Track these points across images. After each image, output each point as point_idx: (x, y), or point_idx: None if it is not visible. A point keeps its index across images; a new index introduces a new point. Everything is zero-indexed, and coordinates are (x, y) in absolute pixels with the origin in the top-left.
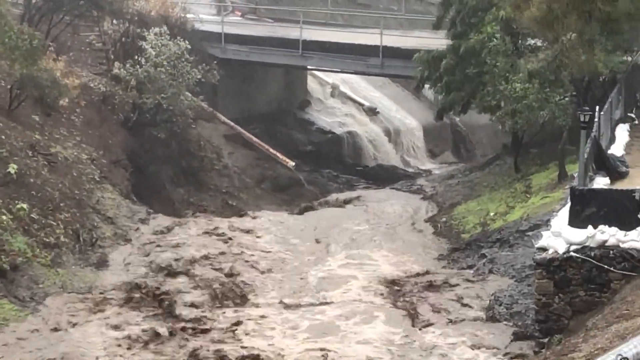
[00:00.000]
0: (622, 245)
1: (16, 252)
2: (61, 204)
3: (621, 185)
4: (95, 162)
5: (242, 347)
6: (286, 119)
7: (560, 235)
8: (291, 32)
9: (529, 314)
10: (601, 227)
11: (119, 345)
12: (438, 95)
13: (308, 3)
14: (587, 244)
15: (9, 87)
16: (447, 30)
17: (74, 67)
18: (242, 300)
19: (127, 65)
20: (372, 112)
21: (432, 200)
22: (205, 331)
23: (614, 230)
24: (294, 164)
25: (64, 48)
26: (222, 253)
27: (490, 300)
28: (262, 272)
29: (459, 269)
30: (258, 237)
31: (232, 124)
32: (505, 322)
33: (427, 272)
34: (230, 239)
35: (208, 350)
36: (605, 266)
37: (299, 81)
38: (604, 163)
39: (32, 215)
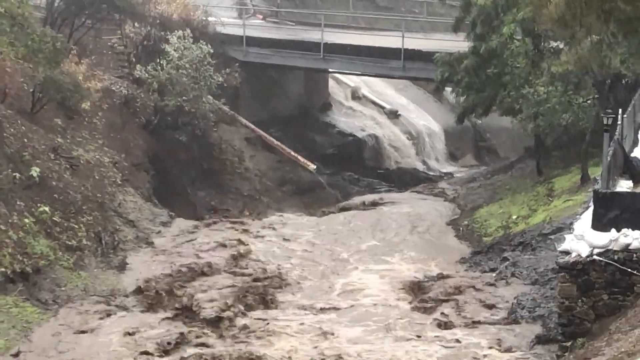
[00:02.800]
0: None
1: (39, 255)
2: (83, 207)
3: None
4: (117, 165)
5: (265, 350)
6: (307, 122)
7: (583, 239)
8: (313, 35)
9: (552, 318)
10: (624, 230)
11: (141, 348)
12: (459, 98)
13: (329, 6)
14: (610, 247)
15: (31, 90)
16: (467, 32)
17: (96, 71)
18: (265, 303)
19: (149, 68)
20: (393, 114)
21: (453, 203)
22: (227, 334)
23: (637, 233)
24: (315, 166)
25: (86, 51)
26: (244, 256)
27: (512, 304)
28: (286, 275)
29: (481, 272)
30: (280, 239)
31: (253, 127)
32: (527, 326)
33: (449, 275)
34: (252, 241)
35: (230, 354)
36: (629, 269)
37: (320, 84)
38: (627, 166)
39: (54, 218)
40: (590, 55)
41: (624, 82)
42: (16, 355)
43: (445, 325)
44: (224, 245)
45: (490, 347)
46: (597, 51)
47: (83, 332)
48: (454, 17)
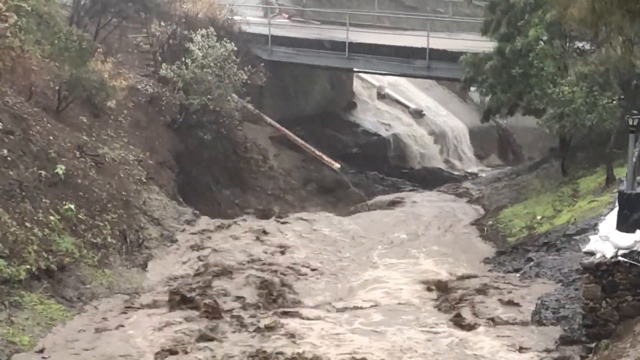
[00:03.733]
0: None
1: (64, 253)
2: (108, 205)
3: None
4: (142, 164)
5: (289, 349)
6: (332, 121)
7: (608, 240)
8: (338, 34)
9: (576, 319)
10: None
11: (164, 346)
12: (484, 98)
13: (354, 5)
14: (635, 248)
15: (57, 88)
16: (492, 32)
17: (121, 69)
18: (289, 301)
19: (174, 67)
20: (418, 114)
21: (478, 203)
22: (250, 331)
23: None
24: (339, 166)
25: (112, 50)
26: (269, 254)
27: (536, 304)
28: (309, 274)
29: (505, 272)
30: (304, 238)
31: (278, 125)
32: (552, 326)
33: (473, 275)
34: (276, 240)
35: (253, 352)
36: None
37: (345, 83)
38: None
39: (79, 215)
40: (619, 56)
41: None
42: (41, 351)
43: (468, 325)
44: (247, 243)
45: (514, 348)
46: (627, 50)
47: (107, 329)
48: (480, 17)
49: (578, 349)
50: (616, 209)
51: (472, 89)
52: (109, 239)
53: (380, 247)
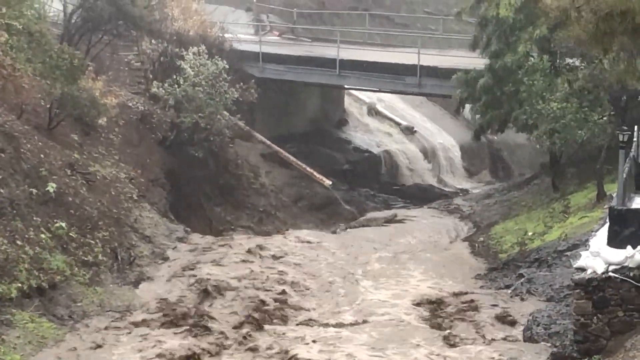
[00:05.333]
0: None
1: (55, 271)
2: (99, 223)
3: None
4: (133, 181)
5: None
6: (323, 138)
7: (599, 256)
8: (328, 51)
9: (567, 334)
10: None
11: None
12: (475, 114)
13: (345, 23)
14: (626, 264)
15: (48, 106)
16: (482, 48)
17: (112, 87)
18: (281, 319)
19: (166, 85)
20: (409, 131)
21: (469, 220)
22: (242, 349)
23: None
24: (330, 182)
25: (103, 67)
26: (260, 272)
27: (528, 320)
28: (302, 291)
29: (497, 288)
30: (296, 255)
31: (269, 142)
32: (543, 342)
33: (464, 291)
34: (267, 257)
35: None
36: None
37: (336, 100)
38: None
39: (70, 233)
40: (622, 70)
41: (639, 99)
42: None
43: (459, 342)
44: (239, 261)
45: None
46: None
47: (99, 347)
48: (470, 34)
49: None
50: (607, 225)
51: (467, 106)
52: (100, 257)
53: (371, 263)
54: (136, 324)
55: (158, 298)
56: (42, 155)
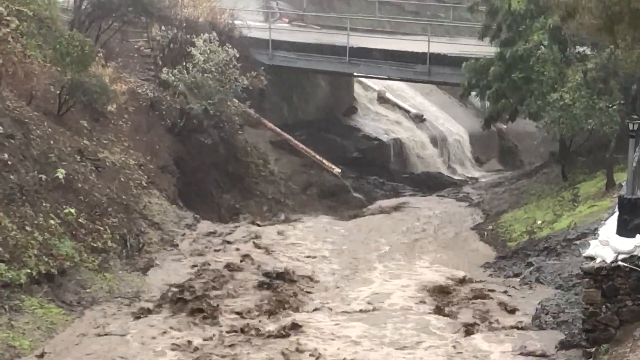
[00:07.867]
0: None
1: (64, 257)
2: (108, 209)
3: None
4: (142, 168)
5: (289, 354)
6: (332, 126)
7: (608, 244)
8: (338, 39)
9: (576, 323)
10: None
11: (164, 351)
12: (484, 103)
13: (355, 10)
14: (635, 253)
15: (58, 92)
16: (492, 37)
17: (122, 73)
18: (290, 306)
19: (175, 71)
20: (418, 119)
21: (478, 208)
22: (252, 337)
23: None
24: (339, 170)
25: (113, 54)
26: (269, 259)
27: (537, 309)
28: (310, 278)
29: (505, 277)
30: (305, 243)
31: (278, 130)
32: (552, 331)
33: (473, 280)
34: (277, 244)
35: (255, 357)
36: None
37: (345, 88)
38: None
39: (79, 220)
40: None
41: None
42: (41, 356)
43: (467, 329)
44: (248, 248)
45: (513, 352)
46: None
47: (107, 333)
48: (480, 22)
49: (578, 353)
50: (616, 214)
51: (473, 93)
52: (109, 243)
53: (379, 251)
54: (145, 311)
55: (167, 285)
56: (51, 142)
